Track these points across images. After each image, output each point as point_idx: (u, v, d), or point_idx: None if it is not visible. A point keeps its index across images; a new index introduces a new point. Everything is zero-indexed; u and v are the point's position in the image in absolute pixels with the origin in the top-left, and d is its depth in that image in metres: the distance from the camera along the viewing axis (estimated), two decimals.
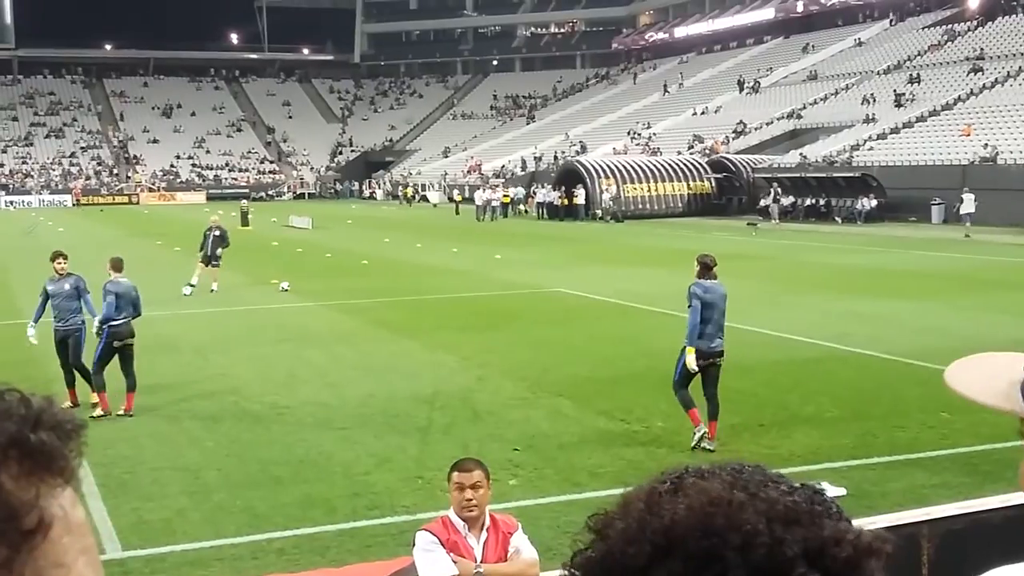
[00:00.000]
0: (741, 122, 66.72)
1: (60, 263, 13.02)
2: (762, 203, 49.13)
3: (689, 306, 10.57)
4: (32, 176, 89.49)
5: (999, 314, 19.06)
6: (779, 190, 48.13)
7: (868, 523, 4.12)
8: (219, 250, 24.47)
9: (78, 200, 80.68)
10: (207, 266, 24.37)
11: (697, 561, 0.93)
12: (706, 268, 10.66)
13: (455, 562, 5.27)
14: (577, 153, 70.29)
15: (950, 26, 70.36)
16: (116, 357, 12.53)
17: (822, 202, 49.12)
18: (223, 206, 70.07)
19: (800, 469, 9.54)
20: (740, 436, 11.03)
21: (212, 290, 23.85)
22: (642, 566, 0.95)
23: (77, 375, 12.82)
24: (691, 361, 10.44)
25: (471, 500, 5.36)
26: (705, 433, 10.48)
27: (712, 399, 10.62)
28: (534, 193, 59.05)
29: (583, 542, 1.01)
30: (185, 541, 8.27)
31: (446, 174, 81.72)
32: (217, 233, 24.63)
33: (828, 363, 14.93)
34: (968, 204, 40.14)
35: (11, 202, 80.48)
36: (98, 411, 12.20)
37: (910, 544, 4.02)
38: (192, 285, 23.99)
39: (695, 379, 10.62)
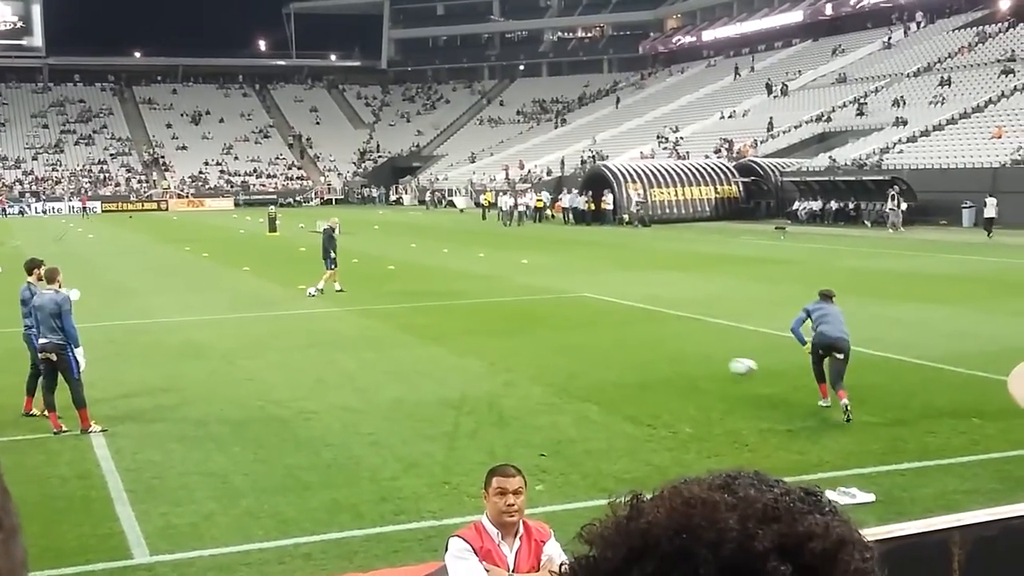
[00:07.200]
0: (770, 123, 66.41)
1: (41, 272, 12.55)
2: (885, 208, 45.04)
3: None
4: (62, 183, 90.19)
5: None
6: (900, 195, 44.51)
7: (898, 529, 4.07)
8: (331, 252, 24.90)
9: (84, 207, 77.14)
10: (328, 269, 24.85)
11: (670, 559, 0.95)
12: (826, 297, 12.56)
13: (488, 570, 5.24)
14: (599, 157, 70.07)
15: (981, 28, 69.73)
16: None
17: (851, 205, 48.79)
18: (251, 212, 70.91)
19: (830, 475, 9.47)
20: (768, 441, 10.96)
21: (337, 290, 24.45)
22: (617, 568, 0.97)
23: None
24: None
25: (512, 505, 5.32)
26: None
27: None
28: (559, 198, 59.01)
29: (576, 552, 1.03)
30: (213, 546, 8.29)
31: (472, 179, 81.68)
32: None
33: (858, 368, 14.74)
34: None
35: (42, 209, 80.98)
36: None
37: (941, 550, 3.97)
38: (339, 290, 24.56)
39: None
